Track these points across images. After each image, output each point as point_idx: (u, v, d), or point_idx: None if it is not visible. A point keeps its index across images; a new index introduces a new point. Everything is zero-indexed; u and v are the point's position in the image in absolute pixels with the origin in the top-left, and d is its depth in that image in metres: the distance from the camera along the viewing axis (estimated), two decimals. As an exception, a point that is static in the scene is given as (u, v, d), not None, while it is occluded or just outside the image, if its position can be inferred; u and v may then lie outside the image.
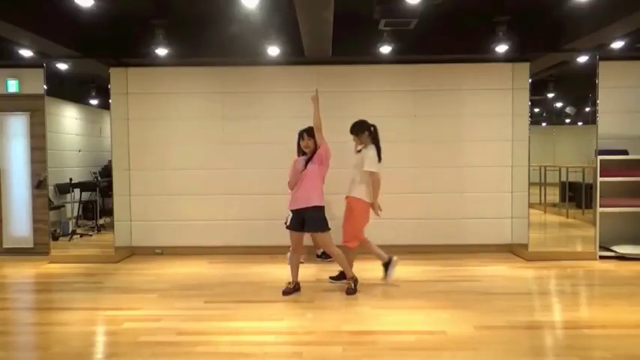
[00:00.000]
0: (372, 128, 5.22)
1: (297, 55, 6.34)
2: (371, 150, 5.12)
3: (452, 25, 6.14)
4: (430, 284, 5.26)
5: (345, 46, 6.23)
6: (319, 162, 4.89)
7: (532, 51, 6.40)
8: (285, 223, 4.91)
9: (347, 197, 5.24)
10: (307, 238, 5.28)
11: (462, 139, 6.81)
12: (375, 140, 5.19)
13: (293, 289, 4.97)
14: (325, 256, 6.23)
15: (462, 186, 6.83)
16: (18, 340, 4.08)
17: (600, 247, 6.41)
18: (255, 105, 6.82)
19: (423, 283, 5.37)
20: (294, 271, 5.03)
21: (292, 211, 4.88)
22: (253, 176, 6.80)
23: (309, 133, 4.95)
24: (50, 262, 6.42)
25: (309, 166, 4.89)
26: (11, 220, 7.04)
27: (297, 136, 5.14)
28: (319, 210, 4.88)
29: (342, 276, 5.24)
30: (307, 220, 4.83)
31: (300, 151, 5.07)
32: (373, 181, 5.09)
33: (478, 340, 3.80)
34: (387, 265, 5.26)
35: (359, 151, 5.24)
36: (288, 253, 5.13)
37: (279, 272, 5.72)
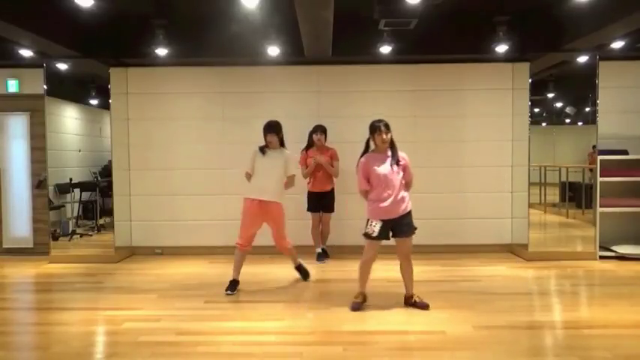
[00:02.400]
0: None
1: (297, 55, 6.34)
2: (289, 153, 5.13)
3: (452, 25, 6.14)
4: (430, 284, 5.26)
5: (345, 46, 6.23)
6: (404, 166, 4.43)
7: (532, 51, 6.40)
8: (370, 234, 4.36)
9: (276, 203, 5.03)
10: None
11: (462, 139, 6.81)
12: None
13: (362, 302, 4.49)
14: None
15: (462, 186, 6.83)
16: (18, 340, 4.08)
17: (600, 247, 6.41)
18: (255, 105, 6.82)
19: (423, 283, 5.36)
20: (365, 282, 4.57)
21: (384, 220, 4.34)
22: (253, 176, 6.79)
23: (387, 126, 4.42)
24: (50, 262, 6.42)
25: (394, 167, 4.36)
26: (11, 220, 7.04)
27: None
28: (411, 213, 4.48)
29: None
30: (400, 225, 4.38)
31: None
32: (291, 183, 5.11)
33: (478, 340, 3.80)
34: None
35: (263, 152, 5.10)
36: (360, 263, 4.56)
37: (279, 272, 5.73)
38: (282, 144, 5.16)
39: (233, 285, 5.01)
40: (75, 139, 7.11)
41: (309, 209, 6.33)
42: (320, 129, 6.24)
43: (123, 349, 3.68)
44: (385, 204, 4.31)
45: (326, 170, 6.20)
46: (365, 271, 4.52)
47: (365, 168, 4.39)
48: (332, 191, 6.32)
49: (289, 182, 5.13)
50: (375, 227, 4.31)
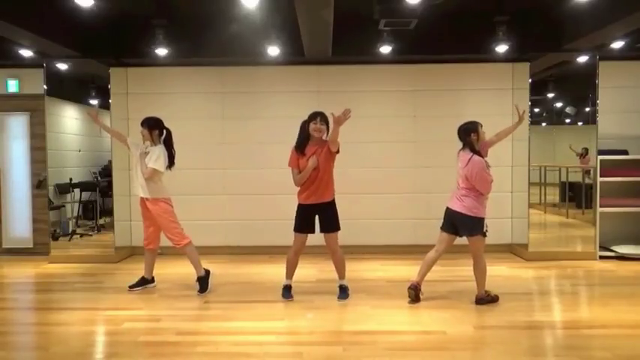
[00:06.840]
0: (164, 130, 5.17)
1: (297, 55, 6.34)
2: (159, 149, 5.06)
3: (452, 25, 6.14)
4: (430, 284, 5.25)
5: (345, 46, 6.23)
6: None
7: (532, 51, 6.40)
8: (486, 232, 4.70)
9: (148, 199, 5.03)
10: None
11: (462, 139, 6.81)
12: (167, 144, 5.17)
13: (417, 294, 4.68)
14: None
15: (462, 186, 6.82)
16: (18, 340, 4.08)
17: (600, 247, 6.41)
18: (255, 105, 6.82)
19: (423, 283, 5.36)
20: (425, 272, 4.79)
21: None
22: (253, 176, 6.79)
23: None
24: (50, 262, 6.42)
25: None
26: (11, 220, 7.03)
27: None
28: None
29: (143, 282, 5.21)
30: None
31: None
32: (155, 178, 5.01)
33: (478, 340, 3.80)
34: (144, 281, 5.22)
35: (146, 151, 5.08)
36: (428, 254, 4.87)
37: (279, 272, 5.71)
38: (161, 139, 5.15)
39: (140, 282, 5.19)
40: (75, 139, 7.11)
41: (296, 228, 4.70)
42: (320, 116, 4.67)
43: (123, 349, 3.68)
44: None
45: (325, 175, 4.60)
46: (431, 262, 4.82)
47: None
48: (332, 202, 4.70)
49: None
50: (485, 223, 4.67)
